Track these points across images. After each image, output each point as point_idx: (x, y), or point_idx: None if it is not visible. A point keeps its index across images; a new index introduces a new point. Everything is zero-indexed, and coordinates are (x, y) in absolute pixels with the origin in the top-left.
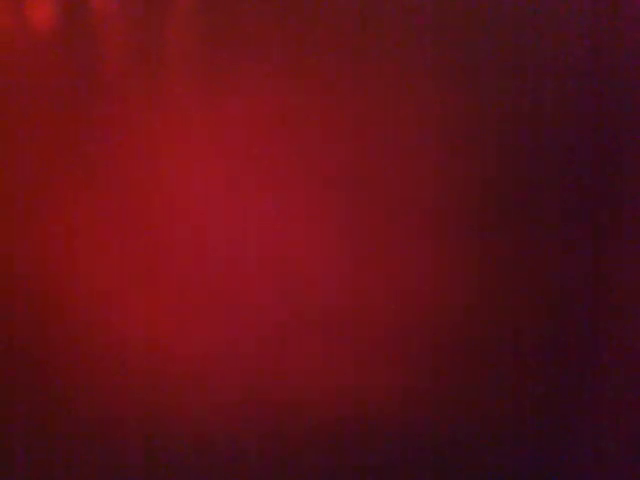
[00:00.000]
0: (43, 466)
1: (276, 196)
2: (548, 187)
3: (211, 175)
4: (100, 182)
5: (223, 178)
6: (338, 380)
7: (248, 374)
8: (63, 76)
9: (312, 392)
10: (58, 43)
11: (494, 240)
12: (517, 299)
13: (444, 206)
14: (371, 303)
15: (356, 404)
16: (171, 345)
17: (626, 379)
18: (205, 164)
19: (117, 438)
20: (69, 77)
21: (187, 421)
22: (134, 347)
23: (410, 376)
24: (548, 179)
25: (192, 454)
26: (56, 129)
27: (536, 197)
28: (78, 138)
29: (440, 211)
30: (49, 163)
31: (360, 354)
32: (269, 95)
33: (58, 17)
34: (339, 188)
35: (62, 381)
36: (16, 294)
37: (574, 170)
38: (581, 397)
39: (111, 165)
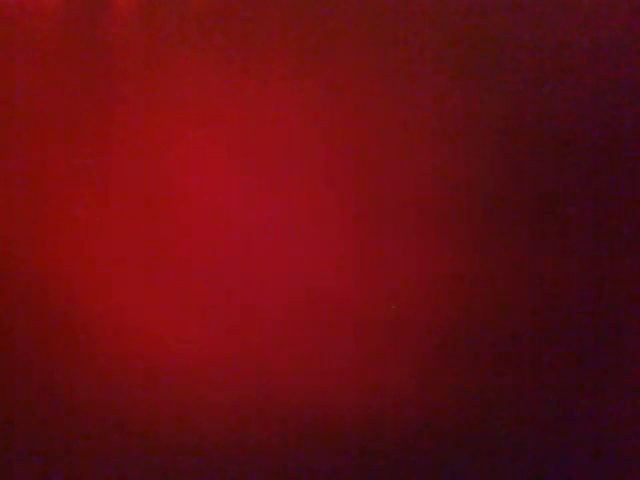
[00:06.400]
0: (43, 471)
1: (281, 199)
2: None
3: (214, 184)
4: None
5: (225, 183)
6: (340, 380)
7: (250, 374)
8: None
9: (315, 392)
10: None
11: (502, 240)
12: (521, 299)
13: (449, 208)
14: (377, 304)
15: (361, 404)
16: (172, 344)
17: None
18: (209, 171)
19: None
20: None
21: (189, 418)
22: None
23: (417, 375)
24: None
25: (193, 452)
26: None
27: (542, 202)
28: (85, 141)
29: (447, 213)
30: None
31: (366, 354)
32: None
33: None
34: (348, 191)
35: (64, 381)
36: (18, 295)
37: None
38: (599, 396)
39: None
